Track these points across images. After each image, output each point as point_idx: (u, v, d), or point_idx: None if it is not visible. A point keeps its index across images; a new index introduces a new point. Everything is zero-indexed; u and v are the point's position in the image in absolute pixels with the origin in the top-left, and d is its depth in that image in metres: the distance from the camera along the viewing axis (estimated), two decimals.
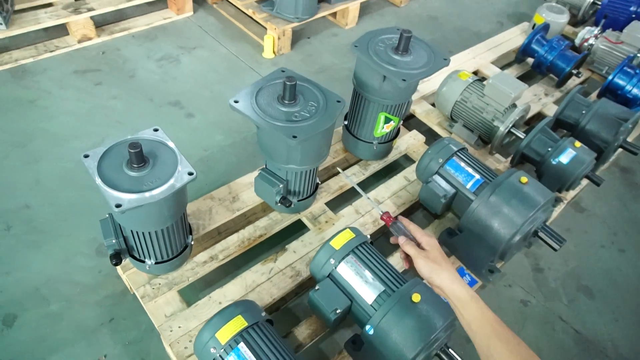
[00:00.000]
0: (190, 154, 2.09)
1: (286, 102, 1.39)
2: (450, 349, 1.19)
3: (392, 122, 1.77)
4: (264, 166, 1.59)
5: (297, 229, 1.70)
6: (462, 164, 1.65)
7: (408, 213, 1.93)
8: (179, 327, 1.33)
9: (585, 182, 2.01)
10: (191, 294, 1.57)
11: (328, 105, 1.42)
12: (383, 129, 1.78)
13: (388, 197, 1.80)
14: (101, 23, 2.67)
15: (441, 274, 1.07)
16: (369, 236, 1.41)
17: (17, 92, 2.26)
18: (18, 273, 1.62)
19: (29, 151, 2.01)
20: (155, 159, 1.22)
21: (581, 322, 1.75)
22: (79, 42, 2.52)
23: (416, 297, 1.18)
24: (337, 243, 1.33)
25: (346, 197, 1.83)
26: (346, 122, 1.90)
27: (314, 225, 1.67)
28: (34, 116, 2.16)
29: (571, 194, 1.98)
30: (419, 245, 1.16)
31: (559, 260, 1.95)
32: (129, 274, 1.42)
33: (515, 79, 1.98)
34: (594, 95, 2.50)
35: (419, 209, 1.96)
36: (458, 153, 1.68)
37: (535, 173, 1.93)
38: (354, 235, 1.35)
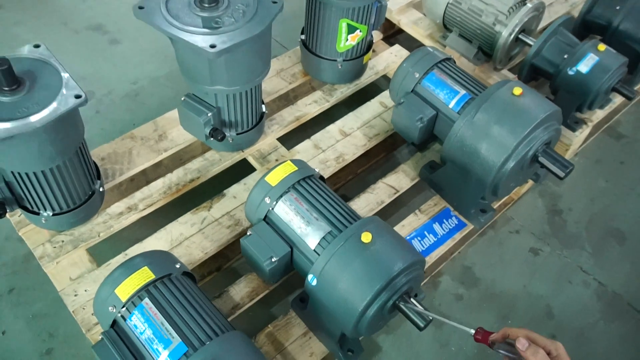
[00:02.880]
0: (115, 88, 2.11)
1: (205, 5, 1.38)
2: (412, 299, 1.21)
3: (358, 31, 1.74)
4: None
5: (242, 172, 1.71)
6: (445, 78, 1.63)
7: (388, 148, 1.93)
8: (86, 290, 1.37)
9: (621, 99, 1.97)
10: (110, 253, 1.58)
11: (260, 8, 1.40)
12: (347, 41, 1.76)
13: (358, 127, 1.80)
14: None
15: None
16: (317, 170, 1.41)
17: None
18: None
19: None
20: (34, 81, 1.23)
21: (607, 272, 1.76)
22: None
23: (366, 237, 1.20)
24: (274, 178, 1.34)
25: (303, 130, 1.83)
26: (303, 37, 1.88)
27: (262, 166, 1.68)
28: None
29: (599, 114, 1.94)
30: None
31: (584, 199, 1.94)
32: (25, 231, 1.45)
33: None
34: None
35: (404, 144, 1.95)
36: (439, 65, 1.65)
37: (550, 89, 1.90)
38: (296, 169, 1.36)
